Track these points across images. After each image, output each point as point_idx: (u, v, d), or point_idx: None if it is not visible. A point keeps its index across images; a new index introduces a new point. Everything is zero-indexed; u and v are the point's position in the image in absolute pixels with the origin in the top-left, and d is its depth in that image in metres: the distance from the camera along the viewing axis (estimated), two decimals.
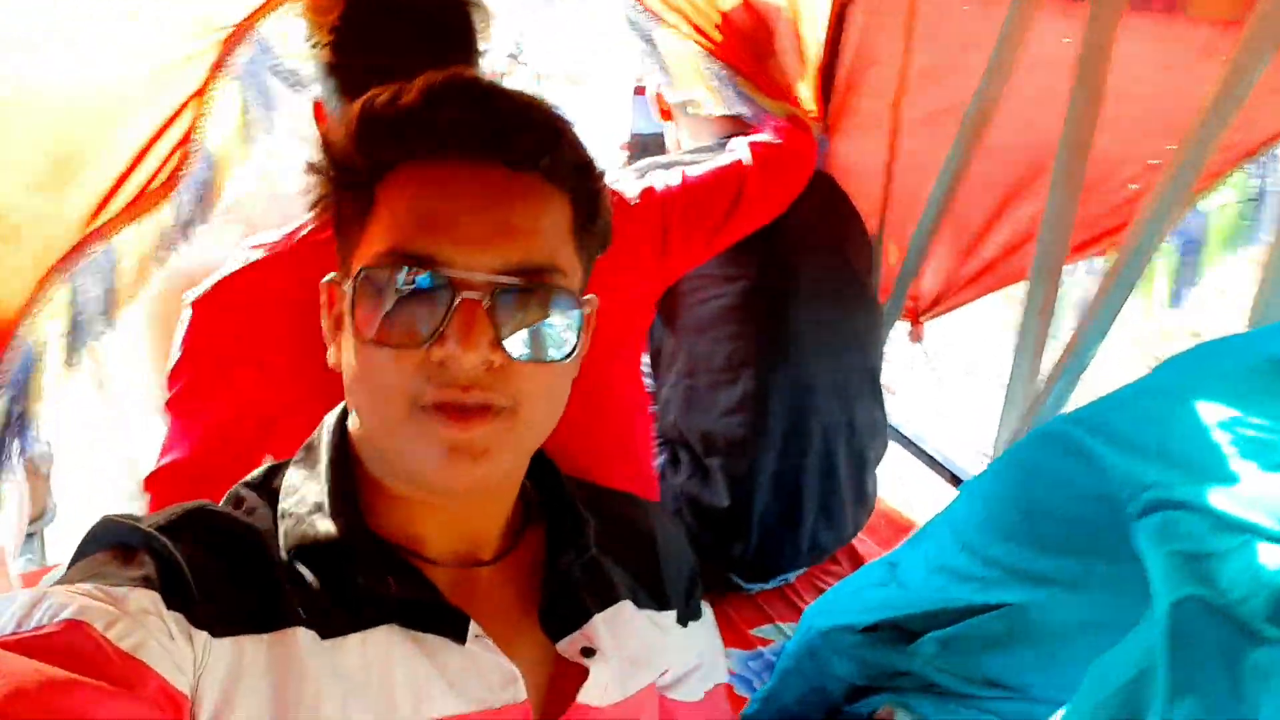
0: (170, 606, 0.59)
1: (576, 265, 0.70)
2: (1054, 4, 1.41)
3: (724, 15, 1.59)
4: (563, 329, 0.66)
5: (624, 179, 1.38)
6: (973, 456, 2.08)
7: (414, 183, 0.64)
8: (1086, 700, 0.73)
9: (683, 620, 0.86)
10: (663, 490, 1.63)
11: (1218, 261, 1.49)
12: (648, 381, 1.77)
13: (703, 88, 1.58)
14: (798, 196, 1.57)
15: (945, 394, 1.93)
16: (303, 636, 0.63)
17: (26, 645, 0.53)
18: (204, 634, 0.60)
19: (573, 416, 1.17)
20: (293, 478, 0.72)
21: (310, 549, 0.67)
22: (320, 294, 0.72)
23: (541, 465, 0.80)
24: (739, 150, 1.52)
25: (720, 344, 1.56)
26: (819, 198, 1.61)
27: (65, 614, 0.55)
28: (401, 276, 0.62)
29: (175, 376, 1.07)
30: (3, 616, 0.56)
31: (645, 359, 1.81)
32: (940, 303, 1.91)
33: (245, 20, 1.15)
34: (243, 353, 1.02)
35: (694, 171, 1.42)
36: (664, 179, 1.38)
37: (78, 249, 1.14)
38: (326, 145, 0.68)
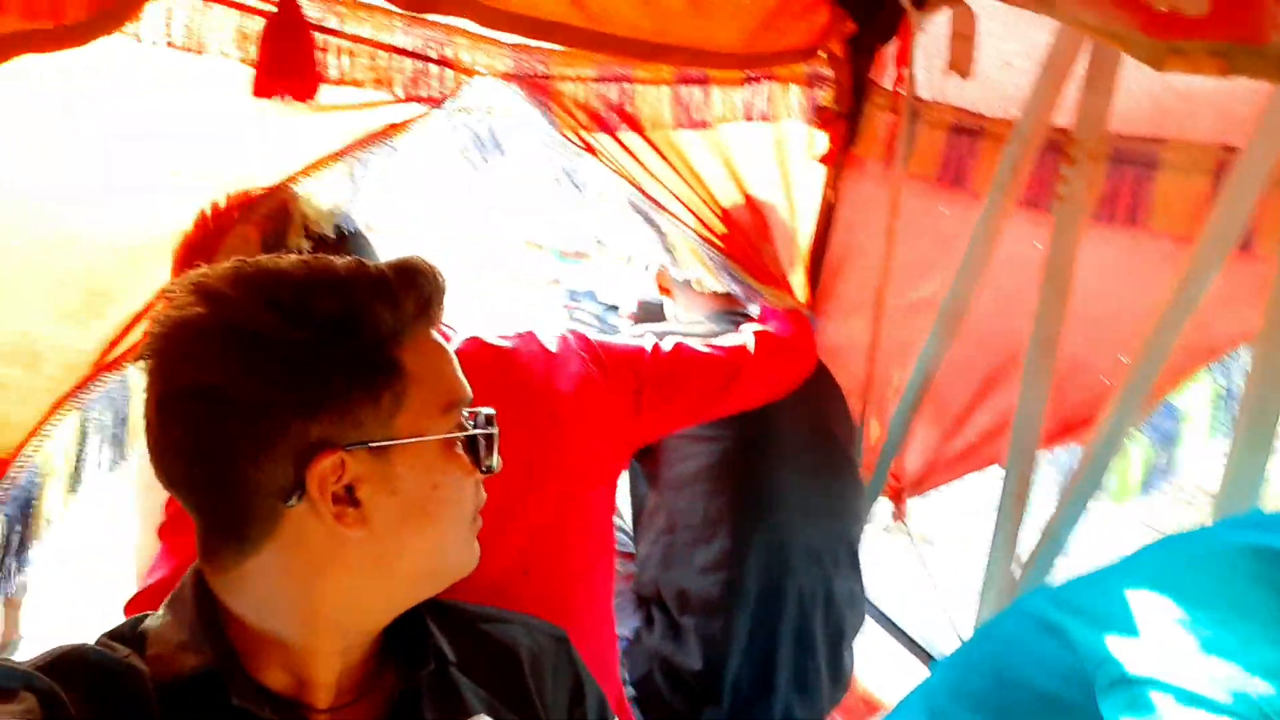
0: None
1: None
2: (1023, 212, 1.53)
3: (725, 210, 1.72)
4: None
5: (618, 336, 1.45)
6: (955, 640, 2.05)
7: (425, 344, 0.76)
8: None
9: None
10: (636, 653, 1.61)
11: (1191, 456, 1.56)
12: (622, 537, 1.78)
13: (702, 268, 1.69)
14: None
15: (929, 574, 1.94)
16: None
17: None
18: None
19: (535, 548, 1.20)
20: (155, 625, 0.74)
21: (179, 685, 0.69)
22: (316, 470, 0.69)
23: None
24: (744, 336, 1.60)
25: (698, 500, 1.59)
26: None
27: None
28: (482, 418, 0.79)
29: (170, 501, 1.10)
30: None
31: (628, 518, 1.84)
32: (923, 482, 1.95)
33: (278, 184, 1.25)
34: None
35: (693, 344, 1.50)
36: (655, 343, 1.45)
37: (91, 378, 1.19)
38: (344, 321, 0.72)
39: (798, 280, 1.86)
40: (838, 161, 1.79)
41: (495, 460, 0.79)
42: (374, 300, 0.70)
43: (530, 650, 0.87)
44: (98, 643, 0.73)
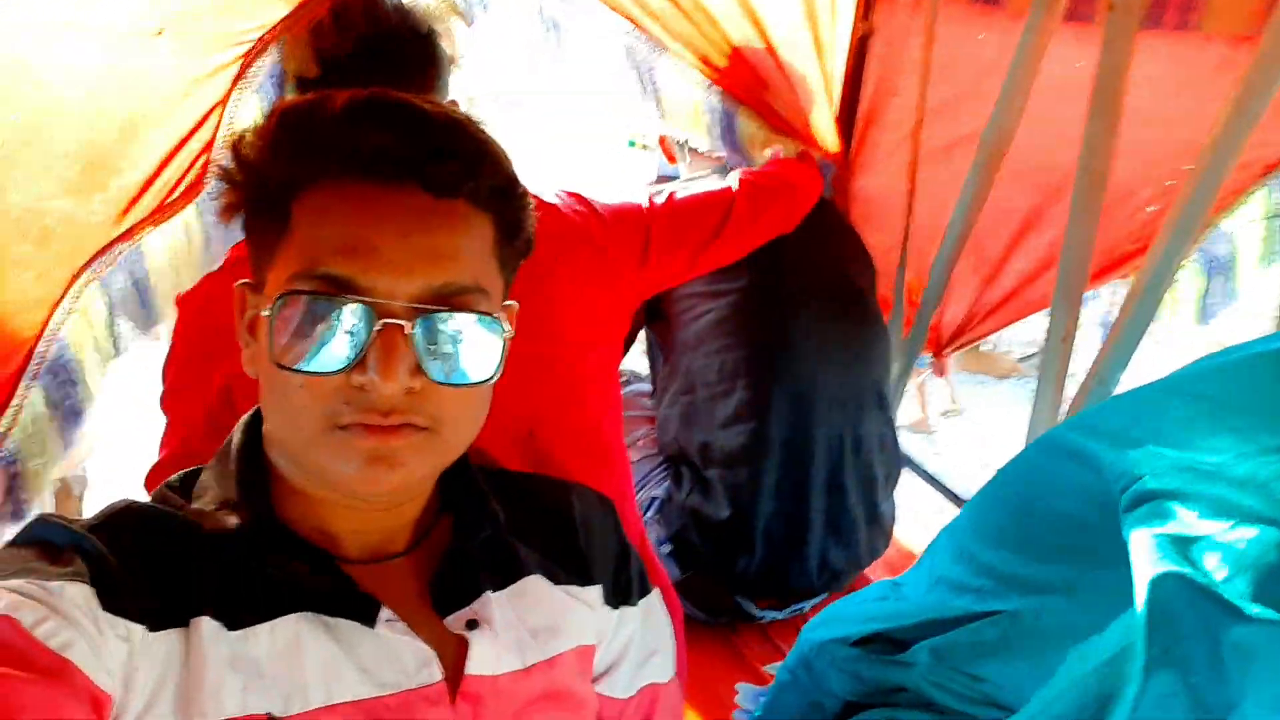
0: (103, 604, 0.60)
1: (498, 281, 0.71)
2: (1067, 28, 1.41)
3: (735, 49, 1.62)
4: (484, 351, 0.66)
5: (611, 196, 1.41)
6: None
7: (334, 203, 0.64)
8: (1063, 678, 0.72)
9: (612, 601, 0.86)
10: (669, 510, 1.63)
11: (1250, 279, 1.46)
12: (647, 403, 1.77)
13: (696, 128, 1.61)
14: None
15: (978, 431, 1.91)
16: (206, 626, 0.64)
17: None
18: (139, 629, 0.62)
19: (543, 410, 1.20)
20: (205, 479, 0.74)
21: (218, 542, 0.68)
22: (235, 296, 0.71)
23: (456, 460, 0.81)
24: (730, 179, 1.55)
25: (713, 357, 1.57)
26: (813, 217, 1.62)
27: None
28: (321, 301, 0.62)
29: (166, 373, 1.12)
30: None
31: (646, 385, 1.83)
32: (963, 333, 1.89)
33: (266, 34, 1.21)
34: (224, 345, 1.05)
35: (682, 193, 1.46)
36: (653, 197, 1.41)
37: (105, 251, 1.19)
38: (238, 154, 0.67)
39: (824, 124, 1.76)
40: None
41: (314, 360, 0.62)
42: (290, 138, 0.65)
43: (581, 513, 0.86)
44: (154, 496, 0.74)
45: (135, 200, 1.20)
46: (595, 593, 0.84)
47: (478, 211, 0.67)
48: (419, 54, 1.18)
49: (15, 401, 1.15)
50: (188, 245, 1.25)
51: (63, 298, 1.18)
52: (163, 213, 1.22)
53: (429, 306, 0.63)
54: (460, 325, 0.65)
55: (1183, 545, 0.65)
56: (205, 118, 1.22)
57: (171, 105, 1.21)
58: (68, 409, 1.21)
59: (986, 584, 0.95)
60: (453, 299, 0.65)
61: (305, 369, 0.63)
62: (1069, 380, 1.54)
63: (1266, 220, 1.39)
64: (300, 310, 0.62)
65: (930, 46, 1.61)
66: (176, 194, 1.23)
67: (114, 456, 2.54)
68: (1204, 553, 0.63)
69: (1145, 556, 0.67)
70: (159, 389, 1.13)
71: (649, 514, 1.67)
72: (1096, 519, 0.79)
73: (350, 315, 0.62)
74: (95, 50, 1.11)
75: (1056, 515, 0.87)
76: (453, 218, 0.66)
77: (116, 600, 0.61)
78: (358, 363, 0.62)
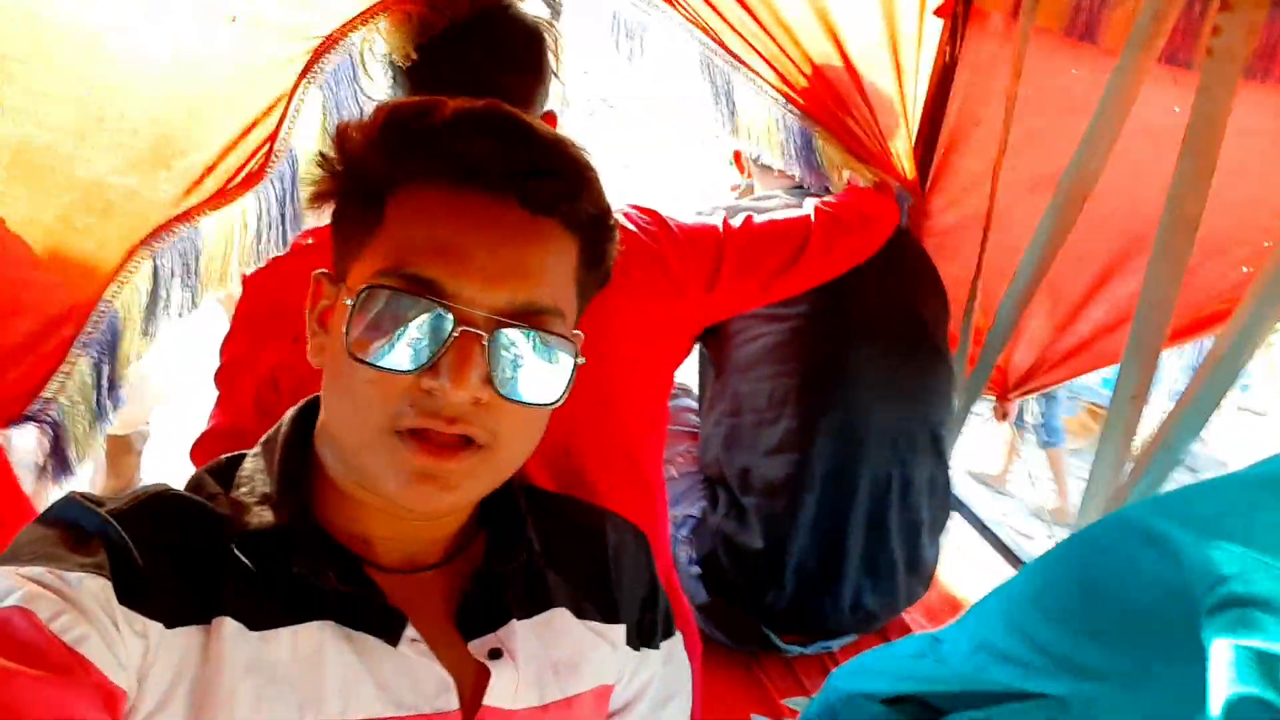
0: (121, 598, 0.60)
1: (574, 307, 0.71)
2: (1164, 71, 1.33)
3: (816, 68, 1.58)
4: (555, 373, 0.67)
5: (687, 214, 1.38)
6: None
7: (431, 204, 0.64)
8: None
9: (634, 642, 0.84)
10: (702, 531, 1.60)
11: None
12: (693, 419, 1.74)
13: (770, 146, 1.57)
14: None
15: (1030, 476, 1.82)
16: (228, 626, 0.64)
17: None
18: (157, 625, 0.62)
19: (582, 429, 1.17)
20: (247, 468, 0.73)
21: (251, 538, 0.67)
22: (311, 285, 0.72)
23: None
24: (807, 207, 1.51)
25: (764, 382, 1.53)
26: (888, 247, 1.57)
27: (11, 600, 0.57)
28: (406, 299, 0.62)
29: (224, 349, 1.14)
30: None
31: (693, 401, 1.79)
32: (1031, 379, 1.81)
33: (336, 31, 1.23)
34: (280, 327, 1.08)
35: (760, 218, 1.42)
36: (728, 219, 1.37)
37: (164, 228, 1.23)
38: (342, 142, 0.68)
39: (902, 151, 1.70)
40: (957, 14, 1.60)
41: (388, 355, 0.62)
42: (397, 134, 0.66)
43: (615, 546, 0.85)
44: (190, 482, 0.74)
45: (198, 182, 1.23)
46: (619, 632, 0.82)
47: (568, 235, 0.68)
48: (525, 49, 1.16)
49: (64, 369, 1.19)
50: (242, 233, 1.28)
51: (119, 270, 1.22)
52: (223, 197, 1.25)
53: (509, 320, 0.64)
54: (536, 344, 0.65)
55: (1269, 664, 0.59)
56: (271, 108, 1.25)
57: (239, 92, 1.23)
58: (107, 380, 1.25)
59: (1037, 660, 0.88)
60: (532, 317, 0.65)
61: (379, 364, 0.63)
62: None
63: None
64: (382, 305, 0.63)
65: (1017, 78, 1.54)
66: (238, 180, 1.25)
67: (180, 412, 2.63)
68: None
69: (1224, 672, 0.61)
70: (216, 362, 1.15)
71: (683, 532, 1.64)
72: (1170, 612, 0.73)
73: (431, 317, 0.62)
74: (169, 32, 1.14)
75: (1126, 601, 0.80)
76: (544, 237, 0.66)
77: (135, 595, 0.61)
78: (430, 366, 0.62)
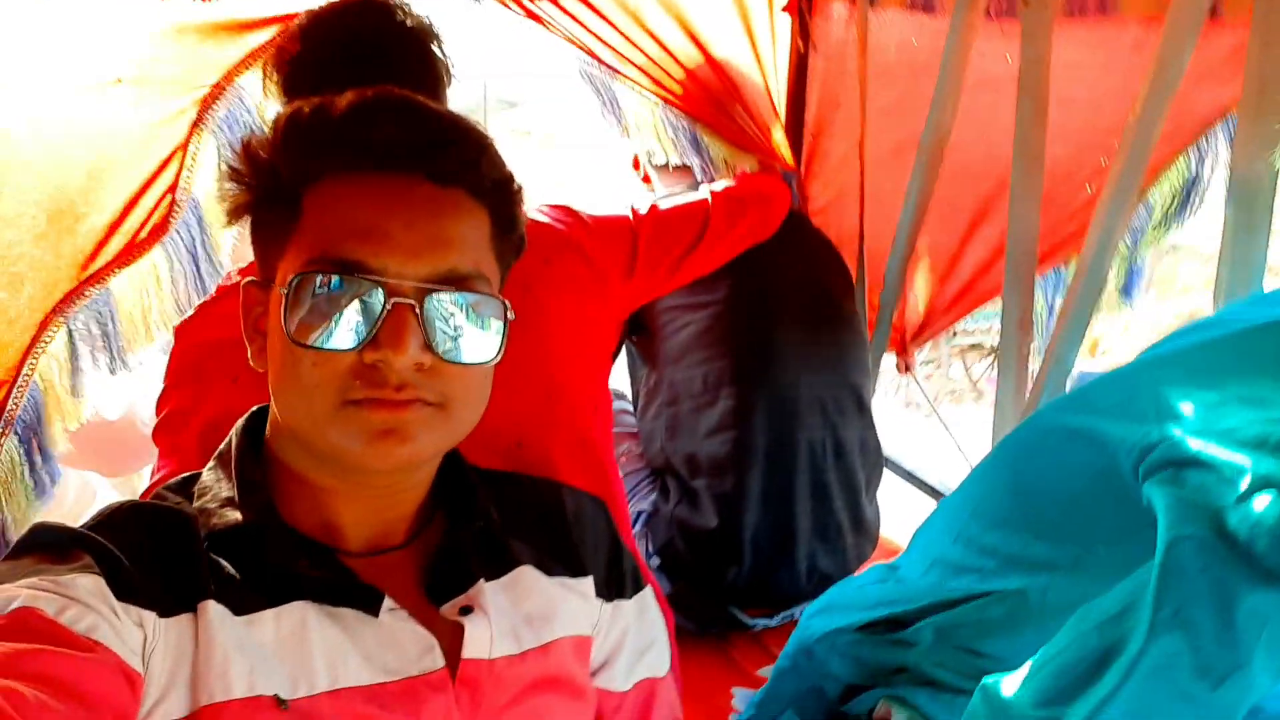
0: (115, 593, 0.61)
1: (495, 270, 0.75)
2: (993, 25, 1.48)
3: (688, 71, 1.69)
4: (488, 332, 0.71)
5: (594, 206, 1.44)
6: None
7: (345, 193, 0.68)
8: (1066, 634, 0.72)
9: (605, 593, 0.86)
10: (656, 522, 1.64)
11: (1156, 248, 1.52)
12: (629, 419, 1.79)
13: (658, 139, 1.66)
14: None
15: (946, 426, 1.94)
16: (213, 610, 0.65)
17: None
18: (152, 615, 0.63)
19: (530, 420, 1.21)
20: (205, 479, 0.75)
21: (222, 537, 0.70)
22: (239, 296, 0.75)
23: (449, 457, 0.82)
24: (702, 192, 1.59)
25: (697, 368, 1.59)
26: (787, 227, 1.67)
27: (15, 604, 0.57)
28: (335, 281, 0.66)
29: (161, 404, 1.13)
30: None
31: (627, 403, 1.84)
32: (925, 329, 1.93)
33: (222, 79, 1.26)
34: (218, 367, 1.07)
35: (663, 204, 1.49)
36: (633, 206, 1.44)
37: (74, 293, 1.22)
38: (249, 154, 0.71)
39: (780, 140, 1.83)
40: (801, 7, 1.74)
41: (328, 337, 0.66)
42: (301, 135, 0.70)
43: (573, 508, 0.88)
44: (152, 498, 0.75)
45: (103, 243, 1.23)
46: (588, 584, 0.85)
47: (476, 202, 0.72)
48: (418, 59, 1.17)
49: None
50: (157, 287, 1.28)
51: (34, 343, 1.19)
52: (130, 254, 1.25)
53: (436, 287, 0.67)
54: (465, 305, 0.69)
55: (1204, 509, 0.65)
56: (167, 160, 1.26)
57: (134, 151, 1.24)
58: (39, 454, 1.22)
59: (989, 564, 0.95)
60: (457, 282, 0.69)
61: (321, 345, 0.66)
62: None
63: (1175, 189, 1.45)
64: (315, 290, 0.66)
65: (864, 55, 1.68)
66: (143, 235, 1.26)
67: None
68: (1227, 516, 0.64)
69: (1165, 519, 0.67)
70: (152, 422, 1.13)
71: (637, 528, 1.67)
72: (1100, 495, 0.81)
73: (364, 294, 0.66)
74: (57, 102, 1.15)
75: (1058, 494, 0.88)
76: (455, 207, 0.71)
77: (126, 589, 0.62)
78: (371, 340, 0.66)
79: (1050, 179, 1.48)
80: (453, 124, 0.72)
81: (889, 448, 2.08)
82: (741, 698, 1.57)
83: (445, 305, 0.68)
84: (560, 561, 0.84)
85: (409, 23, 1.16)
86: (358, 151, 0.68)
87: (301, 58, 1.16)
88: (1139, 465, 0.74)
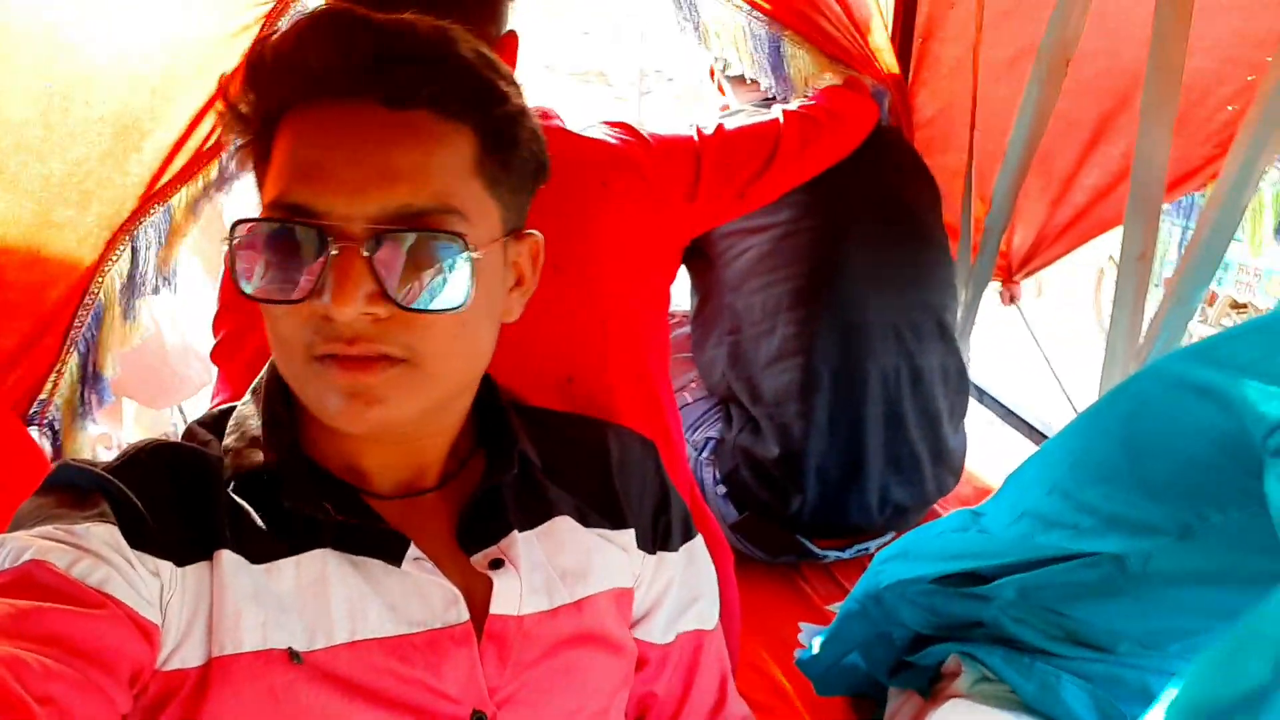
0: (129, 542, 0.61)
1: (486, 204, 0.66)
2: None
3: None
4: (453, 276, 0.62)
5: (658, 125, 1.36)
6: None
7: (297, 128, 0.62)
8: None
9: (648, 545, 0.83)
10: (722, 450, 1.60)
11: None
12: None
13: (735, 49, 1.54)
14: None
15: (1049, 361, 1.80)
16: (227, 559, 0.64)
17: None
18: (168, 564, 0.62)
19: (582, 353, 1.17)
20: (239, 414, 0.73)
21: (246, 478, 0.68)
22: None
23: (488, 391, 0.78)
24: (775, 111, 1.48)
25: (756, 294, 1.52)
26: (865, 143, 1.55)
27: (26, 557, 0.57)
28: (273, 227, 0.61)
29: (217, 325, 1.14)
30: None
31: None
32: (1033, 258, 1.79)
33: None
34: None
35: (730, 124, 1.40)
36: (698, 126, 1.36)
37: (140, 210, 1.23)
38: (226, 98, 0.66)
39: (881, 45, 1.67)
40: None
41: (283, 289, 0.61)
42: (253, 70, 0.63)
43: (619, 455, 0.84)
44: (184, 433, 0.73)
45: (169, 160, 1.24)
46: (629, 536, 0.81)
47: (447, 122, 0.63)
48: None
49: (59, 368, 1.20)
50: (211, 208, 1.29)
51: (102, 259, 1.22)
52: (193, 170, 1.25)
53: (386, 228, 0.60)
54: (421, 246, 0.61)
55: None
56: (231, 77, 1.24)
57: (199, 66, 1.23)
58: (91, 373, 1.25)
59: (1085, 521, 0.87)
60: (414, 219, 0.61)
61: (270, 298, 0.62)
62: None
63: None
64: (254, 238, 0.61)
65: None
66: (205, 150, 1.26)
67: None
68: None
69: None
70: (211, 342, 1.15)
71: (704, 454, 1.65)
72: (1222, 460, 0.72)
73: (302, 240, 0.60)
74: (124, 15, 1.13)
75: (1175, 453, 0.79)
76: (415, 131, 0.62)
77: (142, 538, 0.62)
78: (317, 289, 0.60)
79: (1186, 97, 1.30)
80: (410, 34, 0.62)
81: (991, 382, 1.97)
82: (808, 633, 1.55)
83: (398, 247, 0.60)
84: (600, 512, 0.80)
85: None
86: (304, 80, 0.61)
87: None
88: (1267, 438, 0.64)
